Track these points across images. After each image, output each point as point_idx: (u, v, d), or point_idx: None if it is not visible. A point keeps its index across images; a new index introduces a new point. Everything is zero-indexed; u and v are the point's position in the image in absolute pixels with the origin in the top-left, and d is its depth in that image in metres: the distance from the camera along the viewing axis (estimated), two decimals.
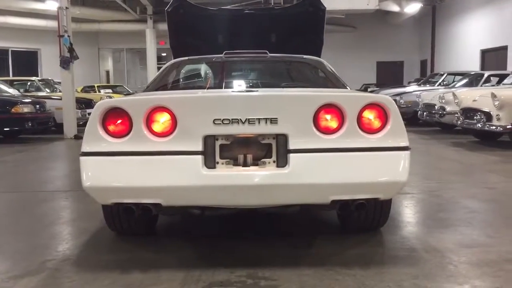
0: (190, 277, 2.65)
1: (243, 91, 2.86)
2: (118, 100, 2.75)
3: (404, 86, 16.60)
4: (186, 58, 4.04)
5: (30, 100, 10.67)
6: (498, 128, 7.71)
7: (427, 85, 15.09)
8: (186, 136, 2.65)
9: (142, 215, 2.85)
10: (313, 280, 2.59)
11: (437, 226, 3.60)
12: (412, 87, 15.25)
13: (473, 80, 12.99)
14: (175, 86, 3.95)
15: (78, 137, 10.91)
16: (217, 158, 2.68)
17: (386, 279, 2.61)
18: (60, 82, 12.51)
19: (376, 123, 2.71)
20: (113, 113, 2.68)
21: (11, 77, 17.11)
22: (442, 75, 14.99)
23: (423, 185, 5.05)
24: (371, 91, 17.36)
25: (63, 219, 4.05)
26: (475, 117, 8.22)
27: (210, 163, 2.66)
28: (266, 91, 2.81)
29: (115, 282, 2.61)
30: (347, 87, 3.61)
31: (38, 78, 15.26)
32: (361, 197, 2.72)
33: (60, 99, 11.61)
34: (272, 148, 2.69)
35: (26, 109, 10.20)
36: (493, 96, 7.75)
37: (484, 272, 2.68)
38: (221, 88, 3.59)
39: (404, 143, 2.72)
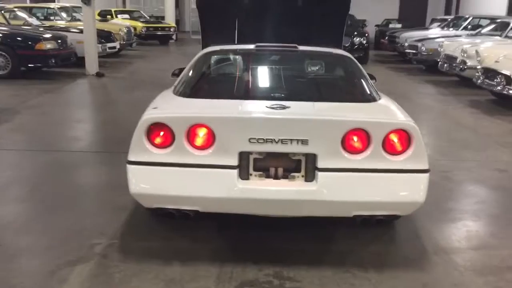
0: (224, 274, 2.99)
1: (277, 108, 3.03)
2: (162, 116, 2.95)
3: (427, 29, 16.29)
4: (218, 48, 4.12)
5: (52, 36, 10.74)
6: None
7: (451, 29, 14.83)
8: (223, 151, 2.90)
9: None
10: (332, 284, 2.92)
11: (446, 219, 3.89)
12: (435, 30, 15.00)
13: (499, 27, 12.75)
14: (207, 83, 4.03)
15: (100, 74, 11.12)
16: (251, 170, 2.95)
17: (398, 285, 2.93)
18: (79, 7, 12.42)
19: (400, 147, 2.92)
20: (157, 127, 2.92)
21: (29, 3, 16.95)
22: (466, 19, 14.65)
23: (434, 163, 5.18)
24: (393, 32, 16.99)
25: (100, 191, 4.38)
26: (495, 79, 8.25)
27: (244, 175, 2.94)
28: (299, 114, 2.98)
29: (158, 276, 2.96)
30: (378, 94, 3.59)
31: (58, 6, 15.16)
32: (381, 213, 3.01)
33: (80, 31, 11.67)
34: (302, 164, 2.94)
35: (49, 46, 10.33)
36: None
37: (487, 282, 2.98)
38: (249, 88, 3.70)
39: (424, 166, 2.95)
